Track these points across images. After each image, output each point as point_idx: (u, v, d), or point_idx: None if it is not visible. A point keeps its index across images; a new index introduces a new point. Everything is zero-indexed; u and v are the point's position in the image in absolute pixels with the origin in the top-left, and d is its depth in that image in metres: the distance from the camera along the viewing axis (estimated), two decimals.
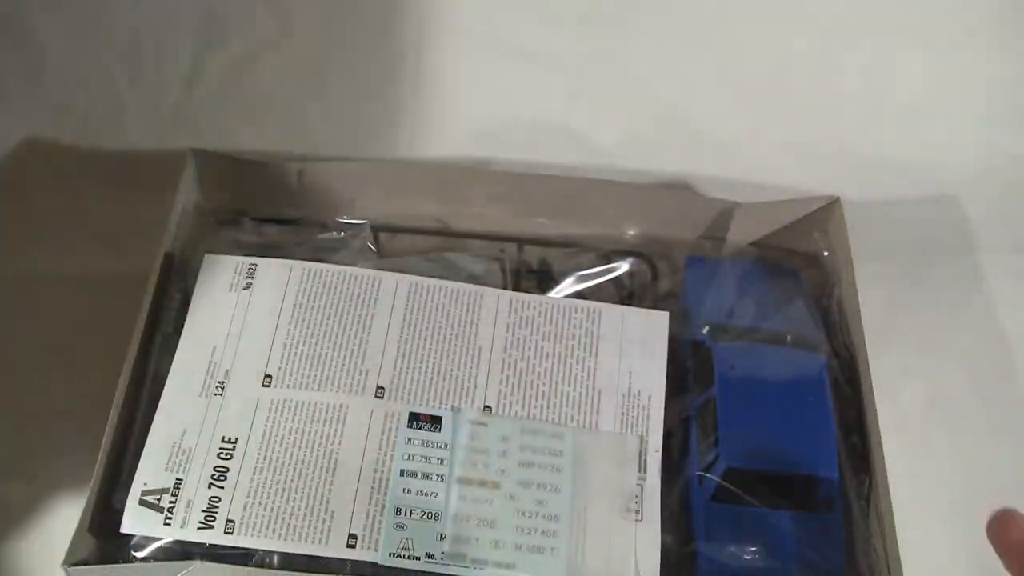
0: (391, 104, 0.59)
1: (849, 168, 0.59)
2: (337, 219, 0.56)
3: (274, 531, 0.42)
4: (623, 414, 0.47)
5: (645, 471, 0.45)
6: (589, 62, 0.56)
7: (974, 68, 0.55)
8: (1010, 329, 0.59)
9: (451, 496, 0.43)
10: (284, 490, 0.43)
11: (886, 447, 0.45)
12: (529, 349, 0.48)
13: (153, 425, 0.44)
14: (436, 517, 0.42)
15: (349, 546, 0.41)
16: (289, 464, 0.43)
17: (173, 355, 0.47)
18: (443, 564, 0.41)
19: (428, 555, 0.41)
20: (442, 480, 0.43)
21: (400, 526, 0.42)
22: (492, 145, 0.60)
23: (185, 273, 0.51)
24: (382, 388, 0.46)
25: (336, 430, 0.45)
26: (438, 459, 0.44)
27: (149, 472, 0.43)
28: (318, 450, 0.44)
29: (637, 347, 0.49)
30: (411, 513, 0.42)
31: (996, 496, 0.53)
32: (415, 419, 0.45)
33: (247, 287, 0.49)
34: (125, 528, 0.42)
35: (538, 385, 0.47)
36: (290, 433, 0.44)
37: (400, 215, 0.57)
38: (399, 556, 0.41)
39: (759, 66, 0.56)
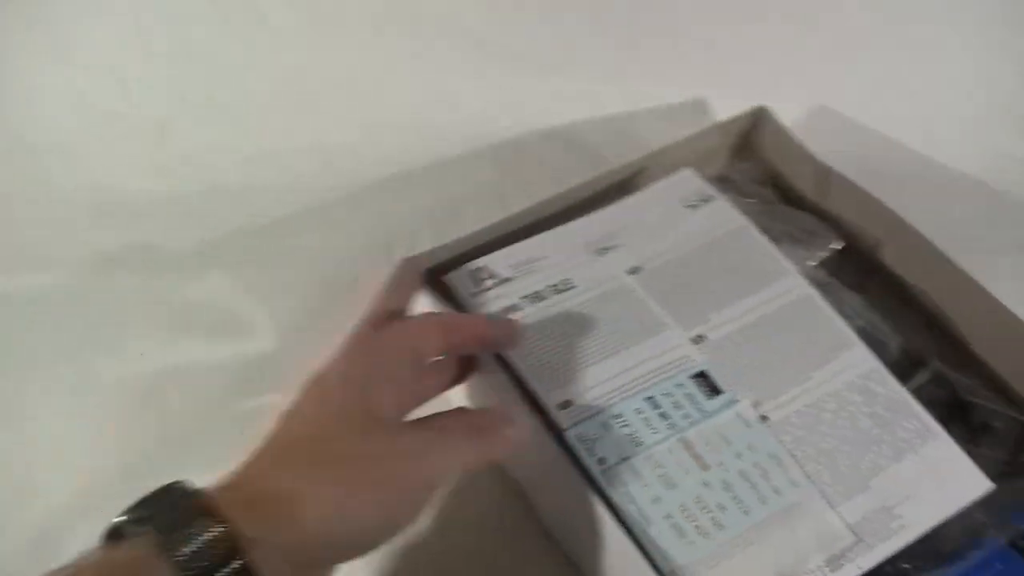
0: (391, 105, 0.59)
1: (848, 169, 0.59)
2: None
3: None
4: (868, 520, 0.41)
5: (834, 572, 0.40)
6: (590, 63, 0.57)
7: (974, 68, 0.55)
8: None
9: (664, 442, 0.41)
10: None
11: None
12: (852, 414, 0.43)
13: None
14: (637, 443, 0.41)
15: (561, 407, 0.41)
16: None
17: None
18: (603, 476, 0.40)
19: (600, 461, 0.40)
20: (672, 428, 0.42)
21: (606, 426, 0.41)
22: (492, 145, 0.60)
23: None
24: (704, 338, 0.44)
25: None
26: (685, 415, 0.42)
27: None
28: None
29: (937, 494, 0.42)
30: (623, 426, 0.41)
31: None
32: (702, 376, 0.44)
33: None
34: None
35: (823, 442, 0.42)
36: None
37: None
38: (582, 443, 0.40)
39: (759, 66, 0.56)
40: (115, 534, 0.29)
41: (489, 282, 0.45)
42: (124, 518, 0.29)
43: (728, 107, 0.53)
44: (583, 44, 0.60)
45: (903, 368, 0.46)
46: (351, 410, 0.33)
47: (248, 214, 0.57)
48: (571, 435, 0.40)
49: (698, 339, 0.44)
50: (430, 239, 0.57)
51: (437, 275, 0.45)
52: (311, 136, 0.60)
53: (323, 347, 0.52)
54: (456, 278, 0.45)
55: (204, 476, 0.48)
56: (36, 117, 0.58)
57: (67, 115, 0.58)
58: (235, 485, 0.31)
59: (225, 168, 0.59)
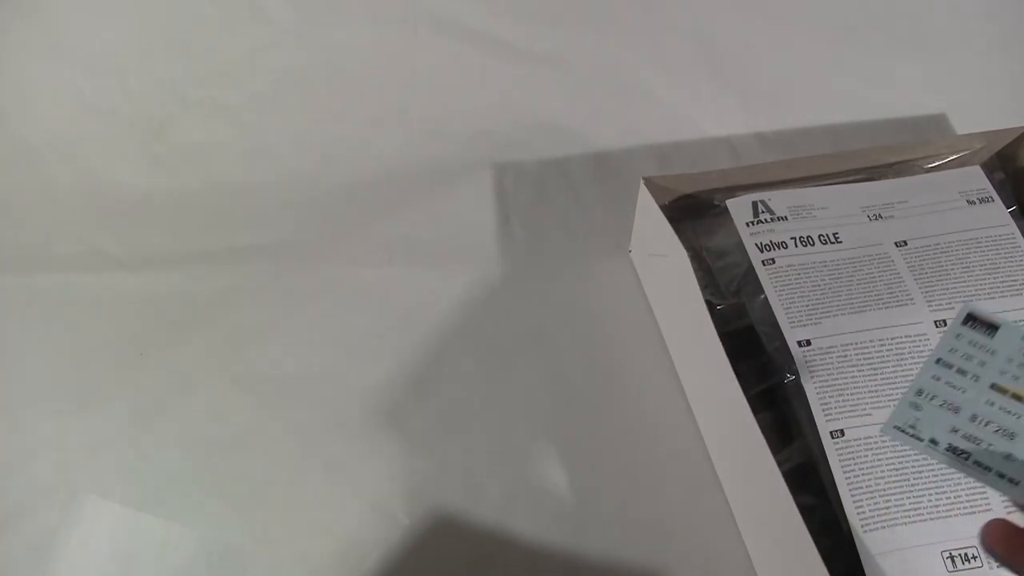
0: (391, 103, 0.59)
1: None
2: None
3: None
4: None
5: None
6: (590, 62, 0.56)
7: (974, 68, 0.55)
8: None
9: (979, 397, 0.42)
10: None
11: None
12: None
13: None
14: (956, 410, 0.41)
15: (801, 345, 0.44)
16: None
17: None
18: (945, 454, 0.41)
19: (932, 441, 0.41)
20: (976, 380, 0.42)
21: (915, 406, 0.42)
22: (492, 145, 0.60)
23: None
24: (946, 325, 0.46)
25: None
26: (980, 361, 0.43)
27: None
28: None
29: None
30: (932, 398, 0.42)
31: None
32: (971, 319, 0.43)
33: None
34: None
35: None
36: None
37: None
38: (903, 431, 0.41)
39: (756, 65, 0.56)
40: None
41: (765, 216, 0.48)
42: None
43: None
44: (576, 38, 0.60)
45: None
46: None
47: (248, 211, 0.58)
48: (801, 356, 0.44)
49: (941, 324, 0.46)
50: (430, 236, 0.58)
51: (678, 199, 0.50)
52: (310, 133, 0.60)
53: (325, 354, 0.52)
54: (736, 204, 0.48)
55: (204, 474, 0.48)
56: (36, 117, 0.58)
57: (67, 115, 0.58)
58: None
59: (224, 165, 0.59)
